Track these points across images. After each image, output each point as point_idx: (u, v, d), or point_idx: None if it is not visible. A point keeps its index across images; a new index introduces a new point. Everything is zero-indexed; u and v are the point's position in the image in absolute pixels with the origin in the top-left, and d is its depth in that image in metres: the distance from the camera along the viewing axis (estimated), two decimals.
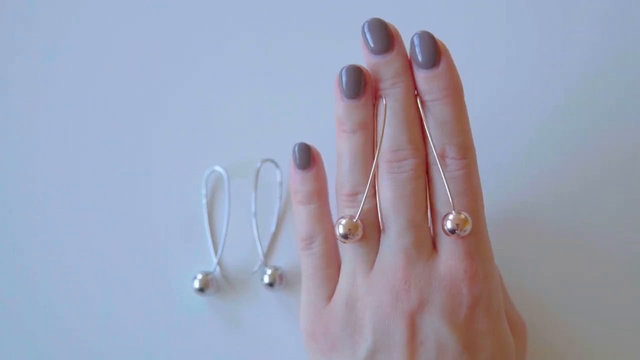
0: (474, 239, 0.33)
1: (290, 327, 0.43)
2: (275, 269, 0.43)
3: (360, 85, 0.33)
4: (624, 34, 0.47)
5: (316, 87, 0.46)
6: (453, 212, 0.32)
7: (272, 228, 0.45)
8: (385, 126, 0.33)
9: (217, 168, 0.45)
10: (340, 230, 0.33)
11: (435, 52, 0.33)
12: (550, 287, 0.43)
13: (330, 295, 0.35)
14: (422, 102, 0.33)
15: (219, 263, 0.44)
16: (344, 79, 0.34)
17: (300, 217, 0.36)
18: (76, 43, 0.47)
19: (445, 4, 0.47)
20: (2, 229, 0.45)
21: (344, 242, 0.33)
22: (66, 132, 0.46)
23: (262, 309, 0.44)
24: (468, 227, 0.32)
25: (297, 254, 0.40)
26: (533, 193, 0.44)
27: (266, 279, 0.43)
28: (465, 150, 0.33)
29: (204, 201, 0.45)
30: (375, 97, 0.34)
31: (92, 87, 0.47)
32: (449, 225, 0.32)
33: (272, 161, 0.45)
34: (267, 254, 0.45)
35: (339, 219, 0.33)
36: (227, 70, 0.47)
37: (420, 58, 0.33)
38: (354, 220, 0.33)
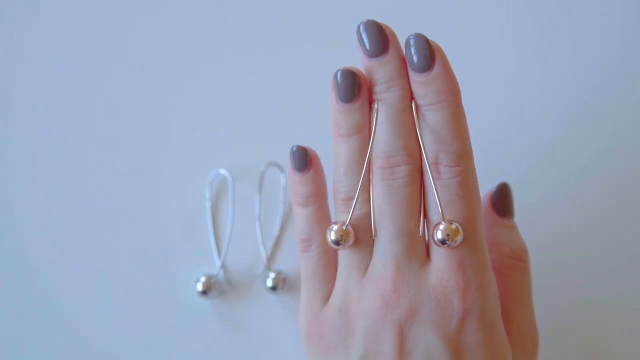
0: (468, 249, 0.32)
1: (292, 331, 0.43)
2: (279, 273, 0.43)
3: (354, 89, 0.33)
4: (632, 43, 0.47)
5: (322, 91, 0.46)
6: (443, 222, 0.32)
7: (276, 232, 0.45)
8: (379, 131, 0.33)
9: (222, 171, 0.45)
10: (331, 236, 0.33)
11: (429, 55, 0.31)
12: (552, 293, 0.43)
13: (327, 298, 0.35)
14: (417, 107, 0.32)
15: (222, 266, 0.44)
16: (338, 82, 0.33)
17: (299, 219, 0.36)
18: (83, 47, 0.47)
19: (447, 8, 0.47)
20: (9, 231, 0.45)
21: (336, 249, 0.33)
22: (72, 135, 0.46)
23: (265, 312, 0.44)
24: (459, 238, 0.31)
25: (299, 257, 0.40)
26: (536, 198, 0.44)
27: (269, 283, 0.43)
28: (460, 158, 0.32)
29: (208, 204, 0.45)
30: (371, 101, 0.33)
31: (98, 91, 0.47)
32: (439, 235, 0.32)
33: (277, 165, 0.45)
34: (271, 258, 0.45)
35: (331, 225, 0.33)
36: (233, 73, 0.47)
37: (414, 61, 0.32)
38: (345, 227, 0.33)
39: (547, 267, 0.43)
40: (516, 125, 0.46)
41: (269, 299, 0.44)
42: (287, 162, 0.44)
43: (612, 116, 0.46)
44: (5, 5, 0.48)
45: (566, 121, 0.46)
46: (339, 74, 0.33)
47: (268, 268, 0.44)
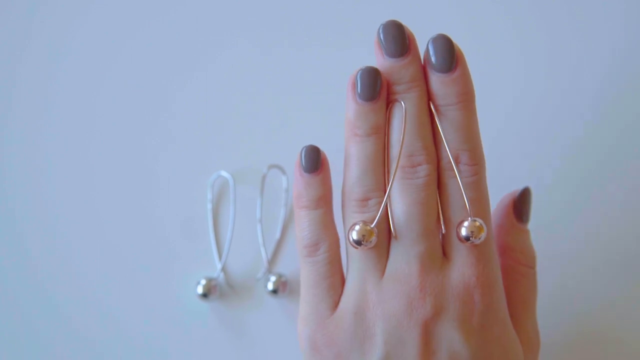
0: (485, 245, 0.33)
1: (293, 334, 0.42)
2: (280, 276, 0.43)
3: (376, 87, 0.33)
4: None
5: (324, 94, 0.46)
6: (469, 219, 0.32)
7: (277, 235, 0.45)
8: (398, 131, 0.33)
9: (223, 173, 0.45)
10: (353, 236, 0.32)
11: (453, 56, 0.32)
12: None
13: (335, 305, 0.34)
14: (435, 107, 0.33)
15: (223, 269, 0.44)
16: (360, 80, 0.33)
17: (304, 222, 0.35)
18: (84, 48, 0.47)
19: (451, 10, 0.47)
20: (9, 230, 0.45)
21: (356, 249, 0.33)
22: (73, 136, 0.46)
23: (265, 315, 0.44)
24: (483, 235, 0.32)
25: (301, 263, 0.40)
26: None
27: (270, 286, 0.43)
28: (479, 157, 0.33)
29: (209, 206, 0.45)
30: (388, 101, 0.34)
31: (99, 92, 0.47)
32: (463, 232, 0.32)
33: (279, 167, 0.45)
34: (272, 261, 0.44)
35: (352, 225, 0.32)
36: (234, 75, 0.47)
37: (437, 61, 0.32)
38: (370, 227, 0.32)
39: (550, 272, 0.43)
40: (517, 128, 0.46)
41: (269, 302, 0.44)
42: (288, 165, 0.45)
43: (619, 118, 0.46)
44: (6, 5, 0.48)
45: (569, 123, 0.46)
46: (362, 72, 0.33)
47: (269, 271, 0.44)
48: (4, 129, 0.46)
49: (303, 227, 0.35)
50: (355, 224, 0.32)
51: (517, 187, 0.38)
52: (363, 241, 0.32)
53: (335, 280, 0.34)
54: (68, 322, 0.43)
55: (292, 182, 0.45)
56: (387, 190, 0.33)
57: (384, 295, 0.32)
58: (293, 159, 0.45)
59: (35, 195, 0.45)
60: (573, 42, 0.47)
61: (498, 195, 0.38)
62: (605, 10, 0.47)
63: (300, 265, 0.35)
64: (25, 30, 0.47)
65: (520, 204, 0.38)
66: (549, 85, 0.46)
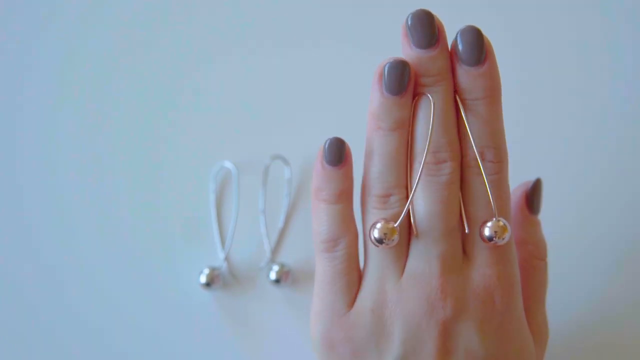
0: (507, 245, 0.32)
1: (295, 323, 0.43)
2: (282, 266, 0.43)
3: (404, 80, 0.31)
4: None
5: (326, 86, 0.46)
6: (494, 218, 0.31)
7: (280, 225, 0.45)
8: (424, 126, 0.31)
9: (227, 163, 0.45)
10: (375, 234, 0.31)
11: (483, 49, 0.31)
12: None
13: (351, 302, 0.33)
14: (462, 101, 0.32)
15: (226, 258, 0.44)
16: (387, 72, 0.31)
17: (324, 217, 0.33)
18: (89, 44, 0.48)
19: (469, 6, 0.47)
20: (14, 218, 0.45)
21: (378, 247, 0.31)
22: (79, 129, 0.46)
23: (268, 305, 0.44)
24: (507, 235, 0.31)
25: (304, 251, 0.40)
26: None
27: (273, 276, 0.43)
28: (503, 154, 0.32)
29: (212, 196, 0.45)
30: (414, 93, 0.32)
31: (104, 85, 0.47)
32: (487, 232, 0.31)
33: (282, 158, 0.45)
34: (274, 251, 0.45)
35: (374, 223, 0.31)
36: (238, 66, 0.47)
37: (466, 54, 0.31)
38: (393, 225, 0.31)
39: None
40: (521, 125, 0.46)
41: (272, 291, 0.44)
42: (291, 155, 0.45)
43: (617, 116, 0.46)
44: (14, 8, 0.48)
45: (570, 121, 0.46)
46: (390, 64, 0.31)
47: (271, 260, 0.44)
48: (11, 124, 0.46)
49: (322, 221, 0.33)
50: (377, 222, 0.31)
51: (517, 182, 0.38)
52: (385, 239, 0.31)
53: (352, 277, 0.33)
54: (68, 310, 0.44)
55: (296, 172, 0.45)
56: (413, 188, 0.31)
57: (403, 294, 0.32)
58: (296, 150, 0.45)
59: (43, 187, 0.45)
60: (573, 40, 0.47)
61: None
62: (605, 10, 0.47)
63: (316, 259, 0.34)
64: (31, 30, 0.48)
65: (532, 196, 0.37)
66: (554, 81, 0.47)
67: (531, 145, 0.46)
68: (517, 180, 0.38)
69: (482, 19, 0.47)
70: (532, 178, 0.37)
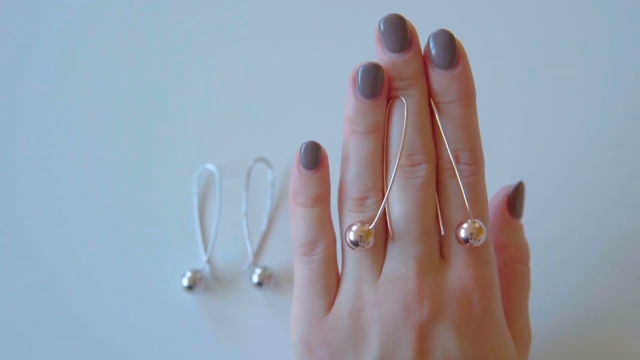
0: (483, 247, 0.32)
1: (278, 326, 0.43)
2: (265, 269, 0.43)
3: (378, 84, 0.31)
4: None
5: (310, 88, 0.46)
6: (469, 220, 0.31)
7: (263, 228, 0.45)
8: (398, 129, 0.32)
9: (209, 166, 0.45)
10: (350, 237, 0.31)
11: (455, 52, 0.31)
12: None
13: (329, 305, 0.33)
14: (435, 104, 0.32)
15: (208, 261, 0.44)
16: (361, 76, 0.31)
17: (301, 220, 0.33)
18: (87, 44, 0.47)
19: (449, 9, 0.48)
20: (6, 217, 0.45)
21: (354, 249, 0.32)
22: (59, 129, 0.46)
23: (250, 308, 0.44)
24: (482, 237, 0.31)
25: (287, 254, 0.40)
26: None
27: (255, 279, 0.43)
28: (479, 156, 0.32)
29: (195, 199, 0.45)
30: (388, 97, 0.32)
31: (87, 86, 0.47)
32: (462, 234, 0.31)
33: (265, 160, 0.45)
34: (257, 254, 0.45)
35: (349, 225, 0.32)
36: (221, 69, 0.47)
37: (438, 57, 0.31)
38: (368, 228, 0.31)
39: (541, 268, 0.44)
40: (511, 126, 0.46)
41: (254, 294, 0.44)
42: (274, 158, 0.45)
43: (611, 114, 0.46)
44: (11, 7, 0.48)
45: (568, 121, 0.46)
46: (363, 68, 0.31)
47: (254, 264, 0.44)
48: (6, 123, 0.46)
49: (299, 225, 0.33)
50: (352, 225, 0.32)
51: (501, 184, 0.38)
52: (360, 242, 0.31)
53: (330, 280, 0.33)
54: (56, 312, 0.43)
55: (279, 175, 0.45)
56: (387, 191, 0.32)
57: (380, 297, 0.32)
58: (278, 153, 0.45)
59: (37, 190, 0.45)
60: (573, 40, 0.47)
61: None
62: (605, 10, 0.48)
63: (294, 263, 0.34)
64: (27, 29, 0.47)
65: (514, 200, 0.37)
66: (540, 81, 0.47)
67: (531, 146, 0.46)
68: (516, 180, 0.38)
69: (482, 19, 0.47)
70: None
